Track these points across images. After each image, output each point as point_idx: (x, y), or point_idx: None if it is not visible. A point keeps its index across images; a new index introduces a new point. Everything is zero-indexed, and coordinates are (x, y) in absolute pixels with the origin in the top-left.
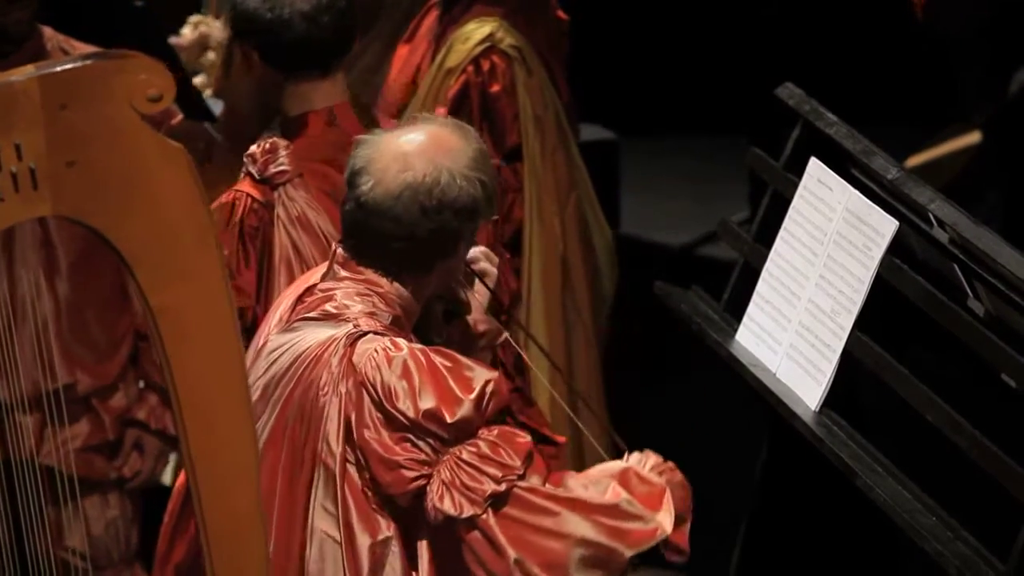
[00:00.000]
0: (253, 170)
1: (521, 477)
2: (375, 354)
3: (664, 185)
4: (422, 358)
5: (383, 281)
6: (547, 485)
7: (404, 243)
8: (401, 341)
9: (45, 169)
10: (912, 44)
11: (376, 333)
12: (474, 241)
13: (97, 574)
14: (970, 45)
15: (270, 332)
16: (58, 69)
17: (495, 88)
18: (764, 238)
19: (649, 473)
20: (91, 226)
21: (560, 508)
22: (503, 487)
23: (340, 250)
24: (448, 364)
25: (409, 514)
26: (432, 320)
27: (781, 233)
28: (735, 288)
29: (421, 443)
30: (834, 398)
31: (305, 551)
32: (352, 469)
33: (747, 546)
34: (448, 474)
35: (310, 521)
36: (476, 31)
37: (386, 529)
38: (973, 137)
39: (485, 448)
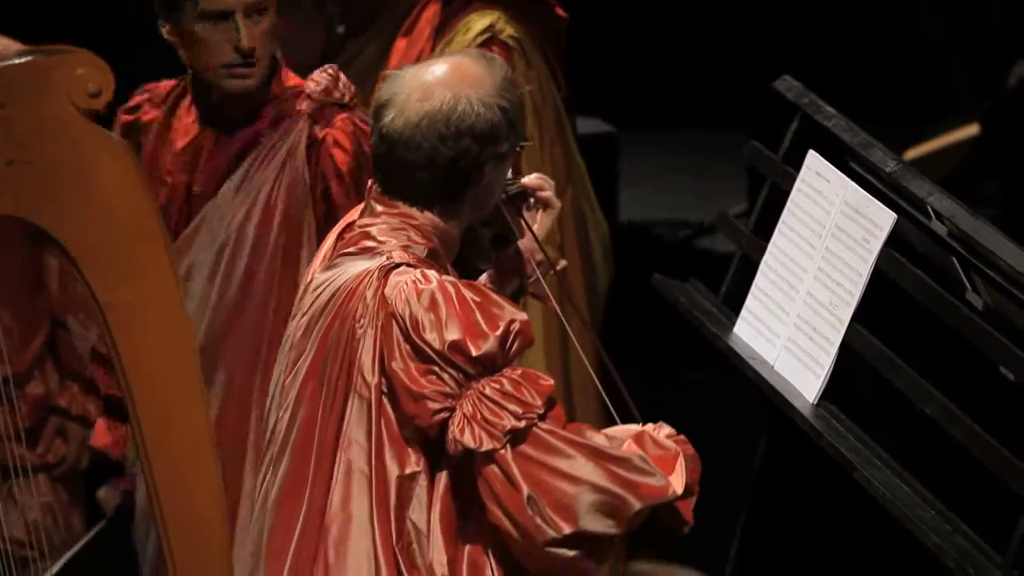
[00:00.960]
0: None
1: (541, 417)
2: (405, 286)
3: (662, 178)
4: (451, 291)
5: (415, 213)
6: (565, 430)
7: (427, 172)
8: (431, 273)
9: None
10: (904, 43)
11: (408, 265)
12: (508, 167)
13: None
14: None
15: (315, 270)
16: None
17: None
18: (762, 231)
19: (664, 439)
20: (35, 223)
21: (576, 452)
22: (522, 424)
23: (374, 185)
24: (477, 299)
25: (437, 449)
26: (480, 247)
27: (779, 226)
28: (733, 281)
29: (446, 375)
30: (832, 391)
31: (332, 486)
32: (386, 401)
33: (745, 539)
34: (470, 408)
35: (339, 453)
36: (477, 22)
37: (415, 464)
38: (971, 130)
39: (508, 385)
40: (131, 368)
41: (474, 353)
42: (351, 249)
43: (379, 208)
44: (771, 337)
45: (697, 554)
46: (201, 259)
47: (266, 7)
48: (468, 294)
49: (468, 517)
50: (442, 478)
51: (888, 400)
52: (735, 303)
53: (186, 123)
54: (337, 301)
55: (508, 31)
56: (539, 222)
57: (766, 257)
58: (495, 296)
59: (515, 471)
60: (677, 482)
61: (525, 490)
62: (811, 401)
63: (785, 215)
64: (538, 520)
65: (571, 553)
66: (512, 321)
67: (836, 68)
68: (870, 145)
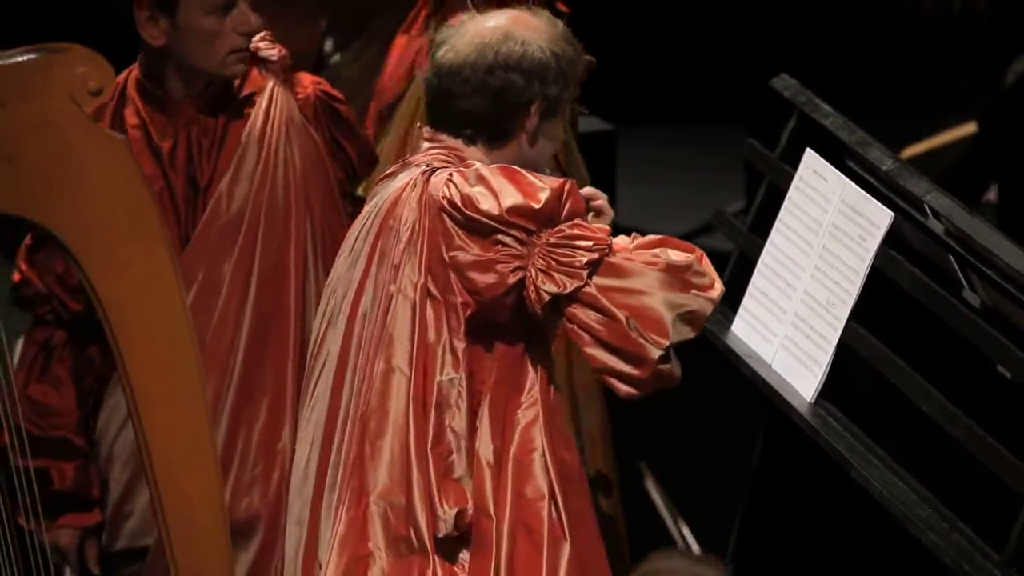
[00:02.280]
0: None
1: (609, 247)
2: (449, 177)
3: (660, 175)
4: (495, 167)
5: (461, 145)
6: (633, 251)
7: (473, 101)
8: (472, 162)
9: None
10: (908, 36)
11: (448, 167)
12: (560, 123)
13: None
14: (965, 35)
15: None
16: None
17: None
18: (760, 229)
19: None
20: (36, 221)
21: (650, 270)
22: (596, 255)
23: (424, 126)
24: (521, 171)
25: (481, 350)
26: None
27: (776, 224)
28: (731, 279)
29: (509, 239)
30: (830, 389)
31: (371, 384)
32: (431, 302)
33: (743, 537)
34: (542, 261)
35: (380, 351)
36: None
37: (454, 370)
38: (968, 127)
39: (568, 231)
40: (131, 363)
41: (535, 207)
42: (392, 169)
43: (426, 145)
44: (768, 335)
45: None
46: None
47: None
48: (513, 168)
49: (515, 407)
50: (492, 369)
51: (885, 398)
52: (732, 301)
53: (141, 123)
54: (382, 215)
55: None
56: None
57: (763, 255)
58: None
59: (604, 302)
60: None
61: (622, 316)
62: (808, 399)
63: (782, 213)
64: (642, 341)
65: (669, 364)
66: (565, 182)
67: (836, 65)
68: (867, 143)
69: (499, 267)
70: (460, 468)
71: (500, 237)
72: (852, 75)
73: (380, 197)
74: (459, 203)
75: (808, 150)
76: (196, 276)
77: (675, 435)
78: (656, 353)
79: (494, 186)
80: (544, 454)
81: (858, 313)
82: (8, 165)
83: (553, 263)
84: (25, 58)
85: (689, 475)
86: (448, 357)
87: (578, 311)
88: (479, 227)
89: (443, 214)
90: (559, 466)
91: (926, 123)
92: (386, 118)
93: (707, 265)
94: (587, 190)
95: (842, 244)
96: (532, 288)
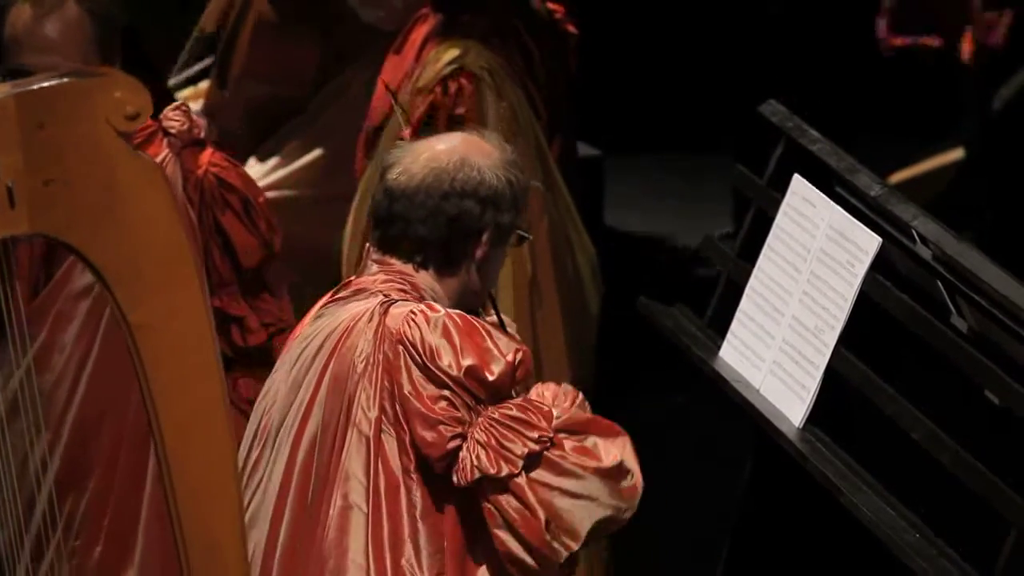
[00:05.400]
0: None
1: (551, 441)
2: (413, 315)
3: (648, 202)
4: (459, 320)
5: (412, 271)
6: (571, 450)
7: (426, 227)
8: (434, 304)
9: (23, 187)
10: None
11: (407, 300)
12: (506, 251)
13: None
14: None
15: (304, 325)
16: (35, 87)
17: (460, 110)
18: (748, 255)
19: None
20: (69, 243)
21: (586, 473)
22: (537, 448)
23: (371, 246)
24: (484, 328)
25: (437, 487)
26: None
27: (764, 250)
28: (719, 304)
29: (458, 401)
30: (818, 414)
31: (328, 521)
32: (385, 437)
33: (731, 562)
34: (483, 435)
35: (336, 488)
36: (447, 52)
37: (415, 501)
38: (956, 153)
39: (516, 411)
40: (157, 389)
41: (489, 378)
42: (342, 294)
43: (376, 267)
44: (756, 361)
45: None
46: None
47: None
48: (476, 323)
49: (475, 553)
50: (446, 516)
51: (873, 424)
52: (721, 327)
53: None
54: (333, 341)
55: (478, 62)
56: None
57: (751, 281)
58: (492, 328)
59: (530, 497)
60: (637, 470)
61: (542, 515)
62: (797, 425)
63: (770, 239)
64: (555, 544)
65: (571, 569)
66: (518, 350)
67: (824, 91)
68: (855, 169)
69: (441, 428)
70: None
71: (449, 395)
72: (845, 99)
73: (329, 321)
74: (420, 349)
75: (796, 176)
76: (38, 333)
77: (663, 461)
78: (563, 557)
79: (456, 343)
80: None
81: (846, 339)
82: (44, 187)
83: (493, 441)
84: (62, 81)
85: (678, 500)
86: (407, 489)
87: (501, 497)
88: (435, 380)
89: (400, 348)
90: None
91: (914, 149)
92: (371, 140)
93: (631, 455)
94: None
95: (830, 270)
96: (466, 460)
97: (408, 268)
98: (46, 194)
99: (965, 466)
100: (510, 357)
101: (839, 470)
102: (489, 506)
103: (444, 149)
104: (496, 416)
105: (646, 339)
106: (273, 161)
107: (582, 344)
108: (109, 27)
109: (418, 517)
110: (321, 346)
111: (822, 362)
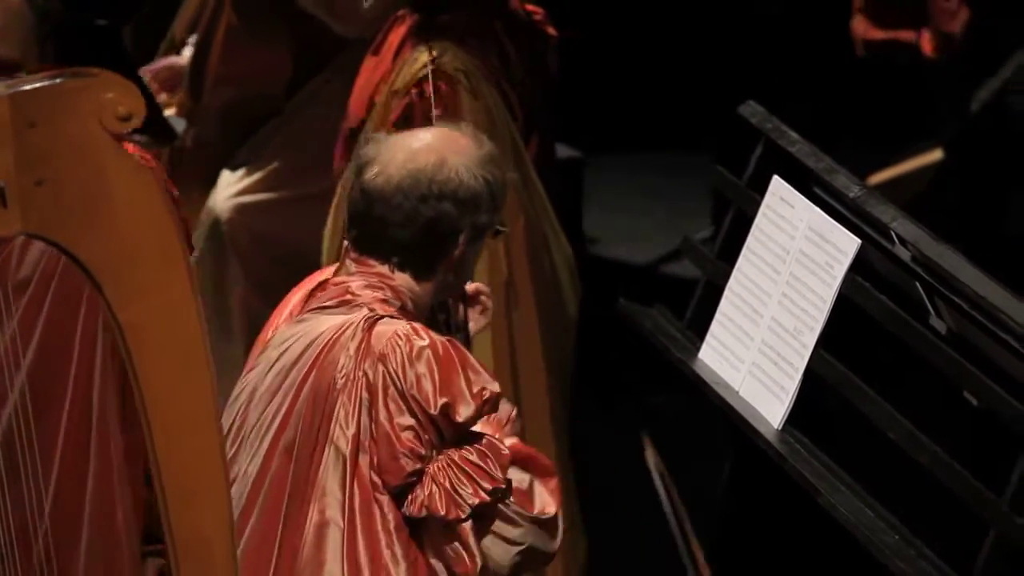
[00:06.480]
0: None
1: (504, 493)
2: (398, 339)
3: (628, 203)
4: (441, 350)
5: (389, 273)
6: (512, 496)
7: (404, 231)
8: (419, 327)
9: (14, 187)
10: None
11: (392, 317)
12: (482, 246)
13: None
14: (941, 68)
15: (279, 325)
16: (28, 87)
17: (437, 112)
18: (727, 256)
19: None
20: (59, 243)
21: (524, 524)
22: (489, 500)
23: (348, 244)
24: (462, 361)
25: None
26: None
27: (744, 251)
28: (698, 306)
29: (424, 438)
30: (797, 416)
31: (304, 535)
32: (361, 454)
33: (710, 564)
34: (440, 474)
35: (312, 504)
36: (423, 54)
37: (390, 518)
38: (935, 155)
39: (476, 457)
40: (147, 387)
41: (459, 420)
42: (328, 303)
43: (354, 267)
44: (736, 362)
45: None
46: None
47: None
48: (455, 354)
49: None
50: (418, 530)
51: (852, 425)
52: (700, 328)
53: None
54: (314, 352)
55: (454, 64)
56: (474, 320)
57: (731, 282)
58: (472, 359)
59: (471, 542)
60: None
61: (479, 560)
62: (776, 426)
63: (749, 240)
64: None
65: None
66: (485, 389)
67: (803, 92)
68: (834, 170)
69: (405, 461)
70: None
71: (418, 429)
72: (825, 99)
73: (311, 328)
74: (400, 373)
75: (775, 177)
76: None
77: (641, 462)
78: None
79: (436, 379)
80: None
81: (825, 340)
82: (36, 187)
83: (448, 483)
84: (55, 82)
85: (656, 502)
86: (383, 506)
87: (442, 537)
88: (409, 409)
89: (381, 368)
90: None
91: (893, 150)
92: (350, 142)
93: (559, 497)
94: (474, 287)
95: (809, 271)
96: (418, 496)
97: (386, 270)
98: (38, 194)
99: (944, 467)
100: (482, 400)
101: (818, 471)
102: (430, 535)
103: (421, 148)
104: (456, 459)
105: (625, 340)
106: (250, 165)
107: (560, 346)
108: (47, 20)
109: (392, 530)
110: (301, 355)
111: (801, 363)
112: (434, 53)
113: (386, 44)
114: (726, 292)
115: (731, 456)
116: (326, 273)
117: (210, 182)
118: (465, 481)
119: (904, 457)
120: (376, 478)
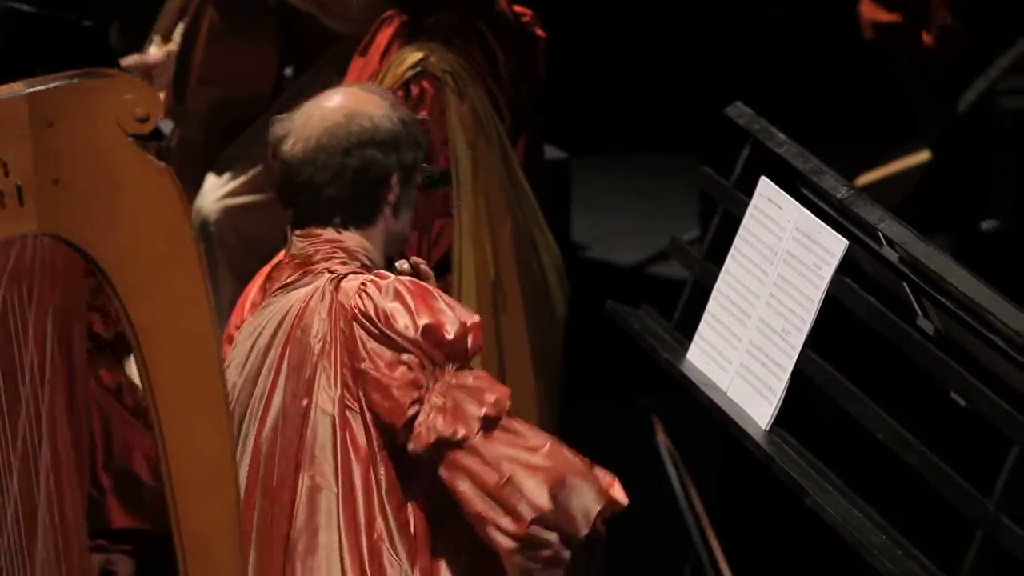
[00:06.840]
0: None
1: (507, 410)
2: (364, 287)
3: (615, 203)
4: (409, 284)
5: (335, 235)
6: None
7: (334, 187)
8: (383, 272)
9: (31, 186)
10: (867, 64)
11: (355, 273)
12: (415, 189)
13: None
14: (924, 66)
15: (244, 317)
16: (46, 87)
17: (423, 113)
18: (715, 257)
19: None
20: (74, 243)
21: (542, 438)
22: (494, 412)
23: (289, 227)
24: (435, 292)
25: (403, 464)
26: None
27: (731, 252)
28: (686, 307)
29: (415, 364)
30: (785, 416)
31: (296, 503)
32: (351, 415)
33: (699, 564)
34: (440, 398)
35: (302, 471)
36: (410, 55)
37: (383, 477)
38: (923, 156)
39: (472, 380)
40: (160, 388)
41: (447, 337)
42: (288, 280)
43: (301, 243)
44: (723, 363)
45: None
46: None
47: None
48: (426, 286)
49: (443, 527)
50: (411, 493)
51: (840, 425)
52: (688, 329)
53: None
54: (288, 326)
55: (440, 65)
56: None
57: (718, 283)
58: (446, 295)
59: (488, 455)
60: (620, 494)
61: (506, 470)
62: (764, 427)
63: (737, 241)
64: (519, 499)
65: (551, 535)
66: (469, 319)
67: (790, 92)
68: (821, 171)
69: (399, 394)
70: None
71: (407, 358)
72: (814, 100)
73: (278, 307)
74: (373, 316)
75: (763, 178)
76: None
77: (630, 463)
78: (529, 514)
79: (410, 305)
80: None
81: (813, 341)
82: (54, 186)
83: (450, 403)
84: (73, 82)
85: (646, 502)
86: (375, 466)
87: (459, 456)
88: (389, 343)
89: (355, 323)
90: None
91: (880, 151)
92: None
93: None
94: (413, 261)
95: (797, 272)
96: (421, 425)
97: (332, 233)
98: (54, 193)
99: (931, 467)
100: (463, 320)
101: (805, 471)
102: (449, 469)
103: (331, 107)
104: (454, 382)
105: (613, 341)
106: (237, 166)
107: (548, 347)
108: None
109: (383, 494)
110: (275, 333)
111: (789, 364)
112: (421, 55)
113: (374, 45)
114: (714, 293)
115: (720, 457)
116: (275, 260)
117: (196, 183)
118: (468, 398)
119: (892, 457)
120: (367, 438)
